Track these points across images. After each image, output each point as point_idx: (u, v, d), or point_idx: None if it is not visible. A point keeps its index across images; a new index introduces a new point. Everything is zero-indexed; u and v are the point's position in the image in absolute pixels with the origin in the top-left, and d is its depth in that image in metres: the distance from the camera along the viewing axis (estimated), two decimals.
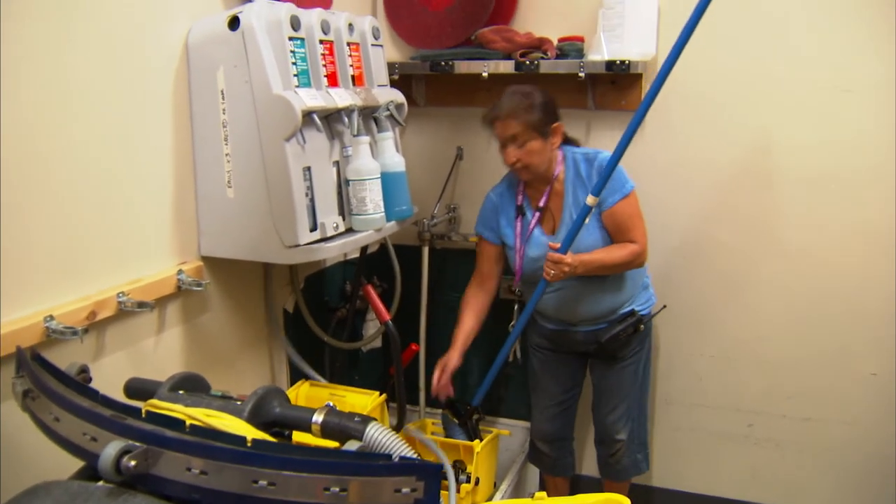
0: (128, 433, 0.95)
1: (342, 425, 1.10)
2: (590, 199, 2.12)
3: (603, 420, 2.44)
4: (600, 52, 2.40)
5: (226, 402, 1.11)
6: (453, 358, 2.36)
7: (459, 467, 2.34)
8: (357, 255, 2.58)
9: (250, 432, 1.04)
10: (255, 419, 1.10)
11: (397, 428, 2.42)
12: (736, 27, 2.40)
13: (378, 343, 2.90)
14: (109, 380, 1.26)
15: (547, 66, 2.43)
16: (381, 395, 2.24)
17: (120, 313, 1.62)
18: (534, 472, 2.73)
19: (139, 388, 1.24)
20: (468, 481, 2.23)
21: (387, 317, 2.24)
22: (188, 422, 1.02)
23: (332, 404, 1.14)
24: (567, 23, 2.53)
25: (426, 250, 2.79)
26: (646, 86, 2.51)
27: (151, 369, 1.73)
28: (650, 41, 2.43)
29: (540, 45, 2.48)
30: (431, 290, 2.83)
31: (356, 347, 2.70)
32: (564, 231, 2.20)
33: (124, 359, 1.69)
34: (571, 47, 2.47)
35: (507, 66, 2.46)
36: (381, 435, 1.07)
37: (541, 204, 2.25)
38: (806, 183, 2.44)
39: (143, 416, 1.02)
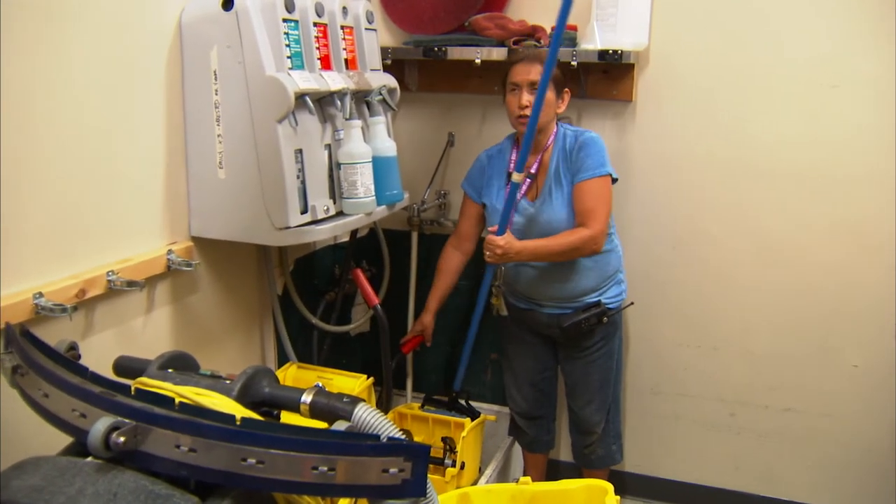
0: (117, 410, 0.96)
1: (331, 405, 1.10)
2: (515, 176, 2.16)
3: (578, 412, 2.46)
4: (593, 41, 2.40)
5: (215, 381, 1.11)
6: (429, 322, 2.49)
7: (449, 445, 2.36)
8: (347, 238, 2.59)
9: (239, 411, 1.05)
10: (244, 398, 1.10)
11: (384, 412, 2.44)
12: (726, 22, 2.40)
13: (367, 327, 2.91)
14: (98, 358, 1.26)
15: None
16: (368, 378, 2.25)
17: (109, 292, 1.62)
18: (518, 458, 2.75)
19: (128, 366, 1.24)
20: (454, 465, 2.26)
21: (375, 301, 2.25)
22: (177, 399, 1.02)
23: (321, 385, 1.15)
24: None
25: (415, 235, 2.80)
26: (638, 76, 2.52)
27: (140, 348, 1.73)
28: (643, 31, 2.44)
29: (533, 32, 2.47)
30: (420, 276, 2.84)
31: (344, 331, 2.71)
32: (541, 200, 2.23)
33: (113, 337, 1.69)
34: (564, 36, 2.47)
35: (500, 54, 2.45)
36: (369, 416, 1.07)
37: (532, 171, 2.25)
38: (793, 177, 2.45)
39: (133, 393, 1.03)
